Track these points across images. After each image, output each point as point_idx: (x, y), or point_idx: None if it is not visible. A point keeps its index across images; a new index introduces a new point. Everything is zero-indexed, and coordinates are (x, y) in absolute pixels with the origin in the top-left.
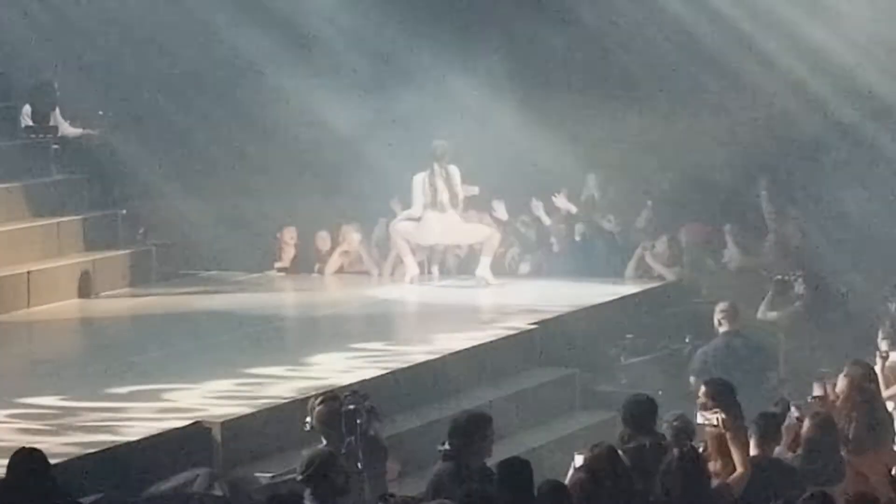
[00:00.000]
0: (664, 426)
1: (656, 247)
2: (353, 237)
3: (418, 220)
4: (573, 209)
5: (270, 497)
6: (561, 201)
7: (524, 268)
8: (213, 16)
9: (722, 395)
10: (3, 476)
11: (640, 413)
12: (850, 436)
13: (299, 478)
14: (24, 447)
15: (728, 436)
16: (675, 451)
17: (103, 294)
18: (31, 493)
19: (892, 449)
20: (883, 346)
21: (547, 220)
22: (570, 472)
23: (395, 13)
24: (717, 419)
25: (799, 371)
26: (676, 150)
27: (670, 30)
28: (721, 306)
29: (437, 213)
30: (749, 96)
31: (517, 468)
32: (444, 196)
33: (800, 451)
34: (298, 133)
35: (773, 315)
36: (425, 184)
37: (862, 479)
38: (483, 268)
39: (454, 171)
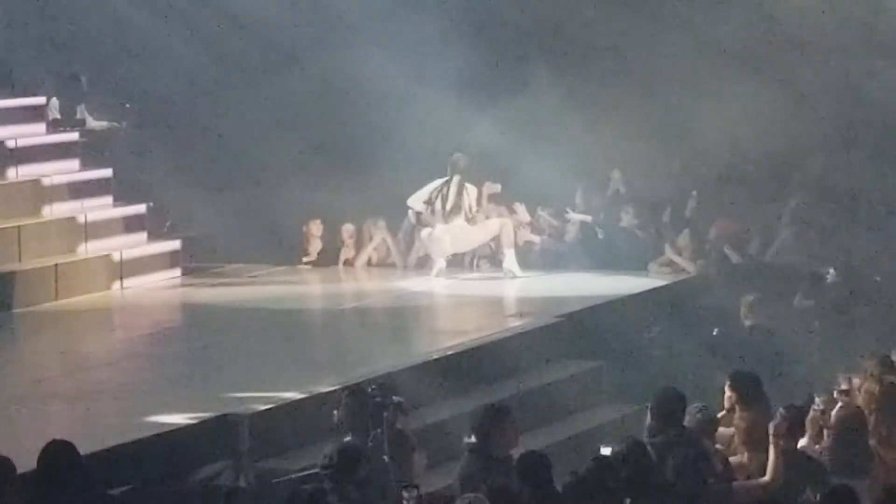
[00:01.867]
0: (687, 418)
1: (679, 240)
2: (382, 226)
3: (429, 227)
4: (588, 219)
5: (295, 492)
6: (574, 215)
7: (536, 247)
8: (244, 7)
9: (748, 388)
10: (35, 468)
11: (669, 407)
12: (882, 430)
13: (321, 471)
14: (55, 439)
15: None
16: (689, 450)
17: (130, 287)
18: (63, 484)
19: None
20: None
21: (588, 218)
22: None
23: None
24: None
25: (831, 362)
26: (704, 143)
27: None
28: (746, 299)
29: (443, 224)
30: (779, 88)
31: (535, 462)
32: (448, 205)
33: (824, 443)
34: (326, 126)
35: (808, 304)
36: (437, 190)
37: (893, 471)
38: (509, 260)
39: (471, 189)
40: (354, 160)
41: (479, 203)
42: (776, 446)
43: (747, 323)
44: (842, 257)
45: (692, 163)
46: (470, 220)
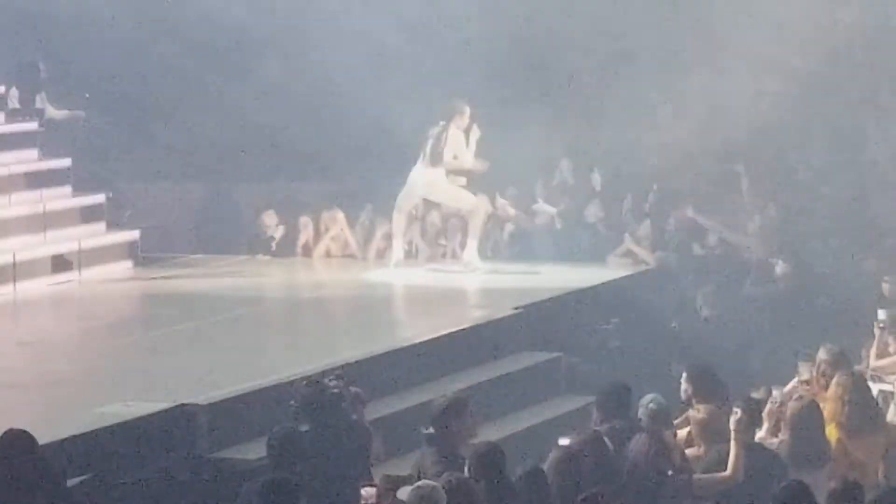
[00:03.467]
0: (640, 410)
1: (639, 232)
2: (340, 217)
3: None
4: (553, 210)
5: (271, 481)
6: (541, 206)
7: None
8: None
9: (703, 380)
10: None
11: (613, 399)
12: (844, 418)
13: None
14: (11, 428)
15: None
16: (645, 436)
17: (88, 277)
18: (19, 474)
19: (885, 429)
20: (881, 315)
21: (552, 210)
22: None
23: None
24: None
25: (784, 353)
26: (659, 136)
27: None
28: (703, 291)
29: (421, 167)
30: (729, 81)
31: (488, 454)
32: (427, 148)
33: (781, 435)
34: (283, 117)
35: (757, 292)
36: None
37: (857, 462)
38: (470, 252)
39: (455, 134)
40: (316, 151)
41: (462, 148)
42: (737, 441)
43: (704, 314)
44: (793, 248)
45: (650, 154)
46: (455, 167)
